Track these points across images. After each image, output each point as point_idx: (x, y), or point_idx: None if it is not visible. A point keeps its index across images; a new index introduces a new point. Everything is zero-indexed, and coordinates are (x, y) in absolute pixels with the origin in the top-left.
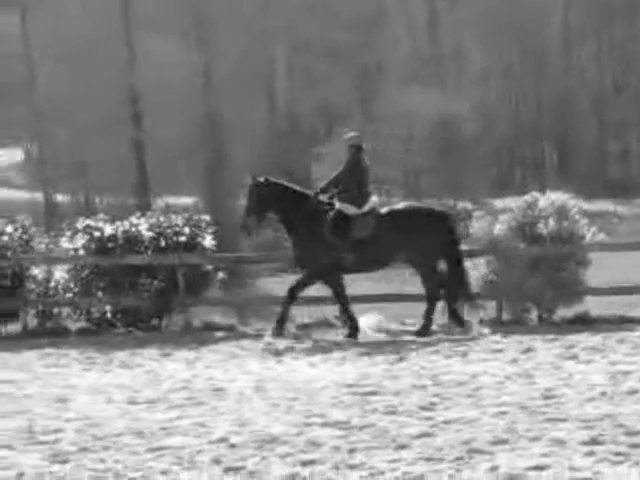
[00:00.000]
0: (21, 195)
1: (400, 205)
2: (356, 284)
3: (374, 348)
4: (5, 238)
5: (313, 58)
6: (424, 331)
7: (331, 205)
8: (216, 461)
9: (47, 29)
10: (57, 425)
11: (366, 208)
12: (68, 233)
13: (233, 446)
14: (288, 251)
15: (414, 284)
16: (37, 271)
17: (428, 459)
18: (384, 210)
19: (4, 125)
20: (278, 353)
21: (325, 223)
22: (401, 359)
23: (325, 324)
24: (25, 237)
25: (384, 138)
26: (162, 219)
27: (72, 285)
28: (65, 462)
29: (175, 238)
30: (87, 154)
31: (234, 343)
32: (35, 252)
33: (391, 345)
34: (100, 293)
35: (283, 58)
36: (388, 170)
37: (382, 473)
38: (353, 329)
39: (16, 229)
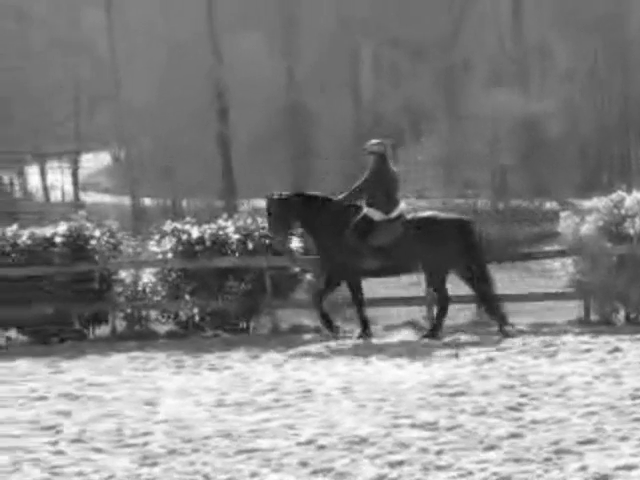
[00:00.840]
0: (109, 199)
1: (424, 213)
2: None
3: (461, 349)
4: (93, 242)
5: (399, 55)
6: (503, 329)
7: (358, 208)
8: (304, 463)
9: (132, 31)
10: (146, 428)
11: (394, 214)
12: (156, 236)
13: (321, 448)
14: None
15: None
16: (125, 274)
17: (516, 460)
18: (408, 217)
19: (92, 129)
20: (365, 354)
21: (350, 226)
22: (489, 359)
23: (412, 325)
24: (113, 241)
25: (470, 138)
26: (249, 221)
27: (160, 288)
28: (154, 465)
29: (262, 240)
30: (173, 157)
31: (321, 345)
32: (123, 256)
33: (478, 345)
34: (188, 296)
35: (369, 56)
36: (475, 171)
37: (471, 474)
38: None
39: (104, 233)
